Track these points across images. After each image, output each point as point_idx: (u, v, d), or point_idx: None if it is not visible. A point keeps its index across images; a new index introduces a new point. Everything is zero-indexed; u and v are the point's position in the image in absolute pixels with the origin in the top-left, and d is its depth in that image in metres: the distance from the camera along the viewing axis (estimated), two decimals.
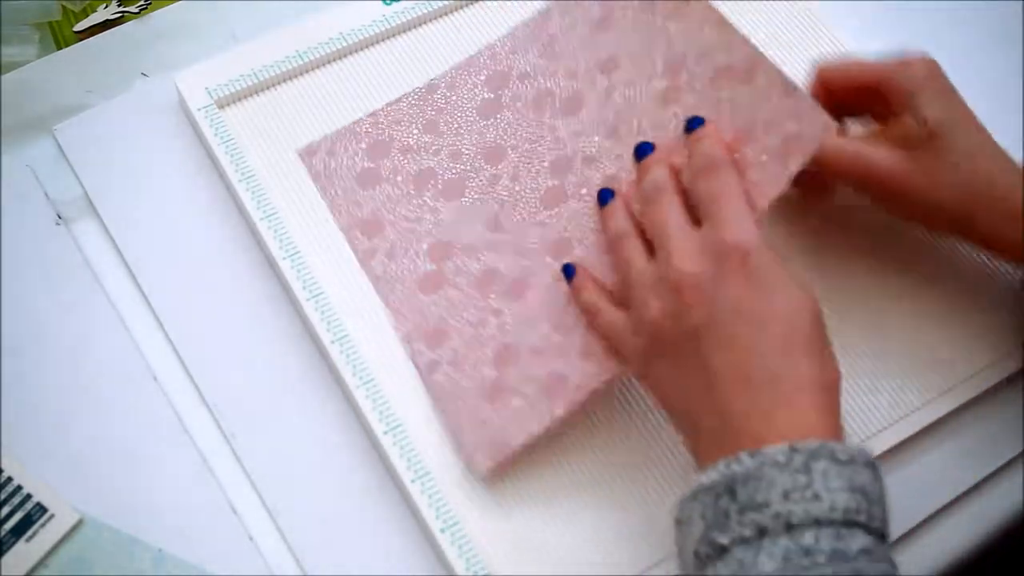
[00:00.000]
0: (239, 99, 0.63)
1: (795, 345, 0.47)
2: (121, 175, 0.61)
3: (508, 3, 0.67)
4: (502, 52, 0.64)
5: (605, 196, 0.57)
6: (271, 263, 0.59)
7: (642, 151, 0.56)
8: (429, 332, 0.57)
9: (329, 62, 0.65)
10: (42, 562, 0.51)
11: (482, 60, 0.64)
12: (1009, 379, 0.58)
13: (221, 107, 0.62)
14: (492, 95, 0.63)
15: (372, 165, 0.61)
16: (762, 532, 0.43)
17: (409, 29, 0.66)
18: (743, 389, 0.47)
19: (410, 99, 0.63)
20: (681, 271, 0.49)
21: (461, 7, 0.67)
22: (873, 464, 0.46)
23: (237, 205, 0.61)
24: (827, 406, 0.47)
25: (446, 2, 0.66)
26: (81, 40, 0.66)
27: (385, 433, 0.54)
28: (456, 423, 0.54)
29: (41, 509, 0.52)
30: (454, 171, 0.61)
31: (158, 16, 0.67)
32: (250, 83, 0.63)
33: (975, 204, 0.53)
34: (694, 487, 0.46)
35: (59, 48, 0.66)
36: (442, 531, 0.52)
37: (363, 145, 0.62)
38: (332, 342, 0.56)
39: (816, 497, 0.43)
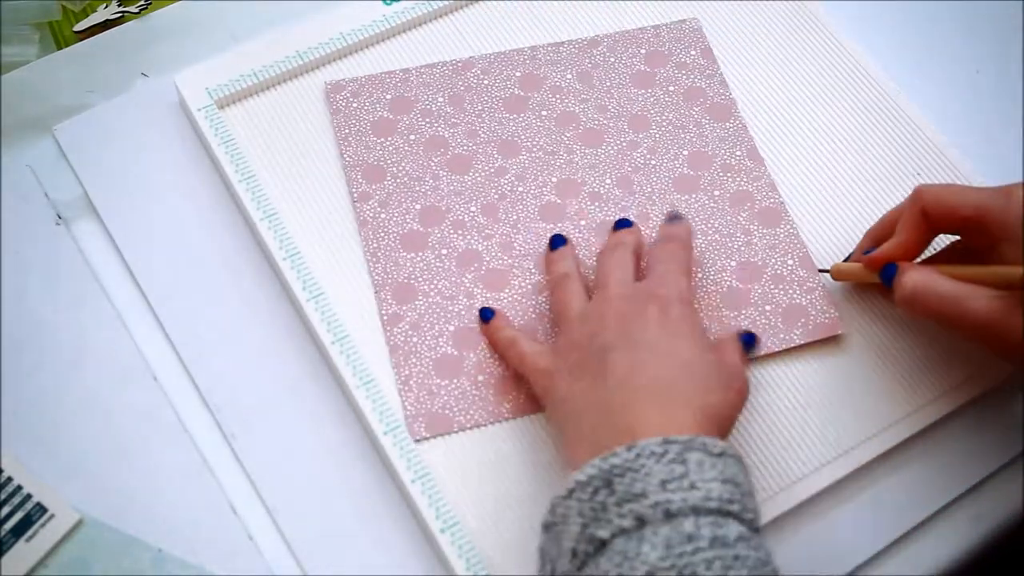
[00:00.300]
0: (239, 99, 0.63)
1: (690, 377, 0.50)
2: (121, 175, 0.61)
3: (508, 3, 0.67)
4: (543, 58, 0.65)
5: (557, 242, 0.59)
6: (271, 263, 0.59)
7: (621, 224, 0.59)
8: (399, 286, 0.58)
9: (329, 62, 0.65)
10: (42, 562, 0.51)
11: (522, 58, 0.65)
12: (1009, 379, 0.58)
13: (221, 107, 0.62)
14: (522, 93, 0.64)
15: (391, 117, 0.63)
16: (641, 522, 0.44)
17: (409, 29, 0.66)
18: (629, 390, 0.49)
19: (444, 68, 0.64)
20: (609, 302, 0.53)
21: (461, 7, 0.67)
22: (741, 459, 0.47)
23: (237, 205, 0.61)
24: (706, 421, 0.48)
25: (446, 2, 0.66)
26: (81, 40, 0.66)
27: (385, 433, 0.54)
28: (405, 381, 0.55)
29: (41, 509, 0.52)
30: (466, 148, 0.62)
31: (158, 16, 0.67)
32: (250, 83, 0.63)
33: None
34: (569, 485, 0.46)
35: (59, 48, 0.66)
36: (442, 531, 0.52)
37: (388, 96, 0.63)
38: (332, 342, 0.56)
39: (693, 486, 0.44)
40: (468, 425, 0.55)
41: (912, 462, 0.56)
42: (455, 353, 0.56)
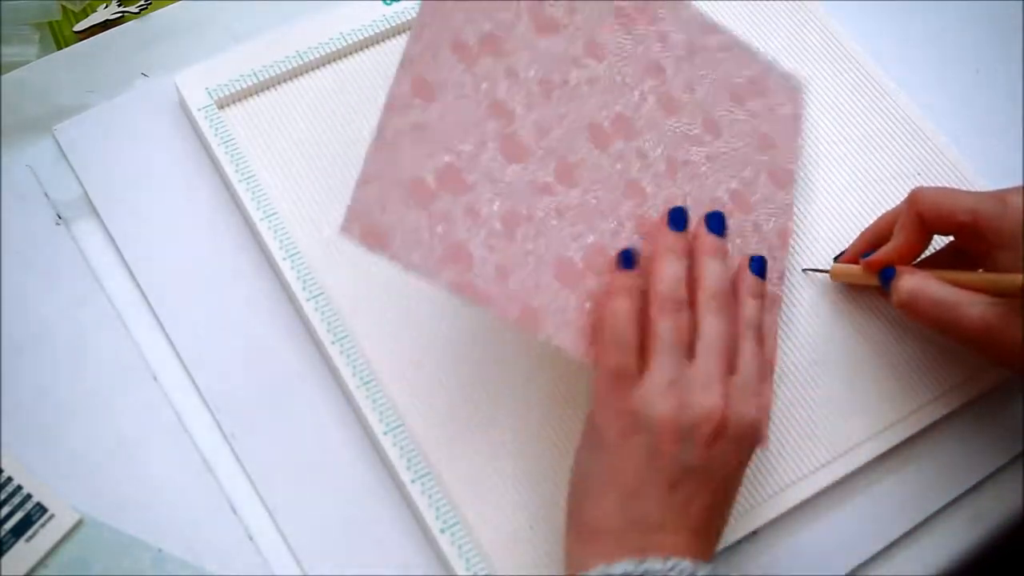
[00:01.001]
0: (239, 99, 0.63)
1: (728, 504, 0.49)
2: (121, 175, 0.61)
3: None
4: None
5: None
6: (271, 263, 0.59)
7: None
8: (424, 82, 0.51)
9: (329, 62, 0.65)
10: (42, 562, 0.51)
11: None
12: (1008, 380, 0.58)
13: (221, 107, 0.62)
14: (633, 14, 0.58)
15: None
16: None
17: (409, 29, 0.66)
18: (682, 514, 0.47)
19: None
20: (706, 405, 0.48)
21: None
22: None
23: (237, 205, 0.61)
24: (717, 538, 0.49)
25: None
26: (81, 40, 0.66)
27: (385, 433, 0.54)
28: (367, 178, 0.49)
29: (41, 509, 0.52)
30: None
31: (158, 16, 0.67)
32: (250, 83, 0.63)
33: None
34: (598, 571, 0.45)
35: (59, 48, 0.66)
36: (442, 531, 0.52)
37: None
38: (332, 342, 0.56)
39: None
40: (400, 262, 0.48)
41: (912, 462, 0.56)
42: (432, 187, 0.50)
